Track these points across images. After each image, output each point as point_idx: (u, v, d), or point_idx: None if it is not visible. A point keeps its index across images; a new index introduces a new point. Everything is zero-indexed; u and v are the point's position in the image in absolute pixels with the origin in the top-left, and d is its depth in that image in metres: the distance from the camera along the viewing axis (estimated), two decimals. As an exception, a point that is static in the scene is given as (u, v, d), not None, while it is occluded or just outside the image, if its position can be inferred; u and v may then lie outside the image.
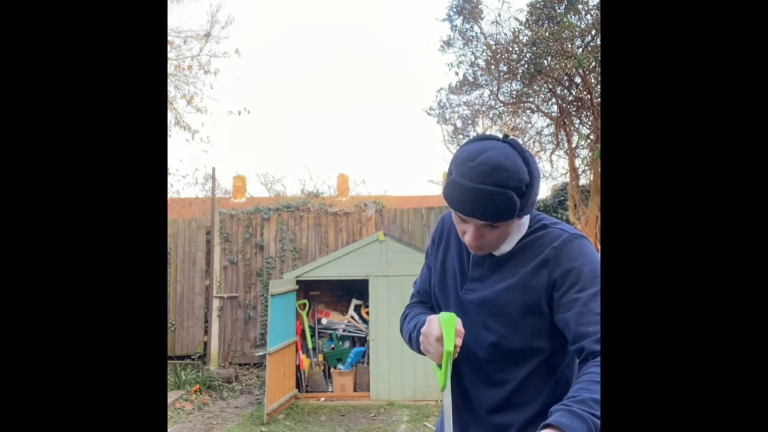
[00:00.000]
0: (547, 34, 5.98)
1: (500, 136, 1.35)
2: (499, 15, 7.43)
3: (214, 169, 8.82)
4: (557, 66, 6.06)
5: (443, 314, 1.36)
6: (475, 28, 6.76)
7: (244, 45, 30.09)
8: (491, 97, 7.13)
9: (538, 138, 7.97)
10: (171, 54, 9.12)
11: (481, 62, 6.82)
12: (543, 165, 8.17)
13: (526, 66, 6.34)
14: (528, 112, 7.49)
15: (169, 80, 8.70)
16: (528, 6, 6.31)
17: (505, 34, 6.62)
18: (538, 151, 8.36)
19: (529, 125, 7.97)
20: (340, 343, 7.23)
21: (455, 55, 6.98)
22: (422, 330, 1.42)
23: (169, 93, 8.81)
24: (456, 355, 1.36)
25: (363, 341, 7.18)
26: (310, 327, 7.25)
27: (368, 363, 6.93)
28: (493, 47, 6.57)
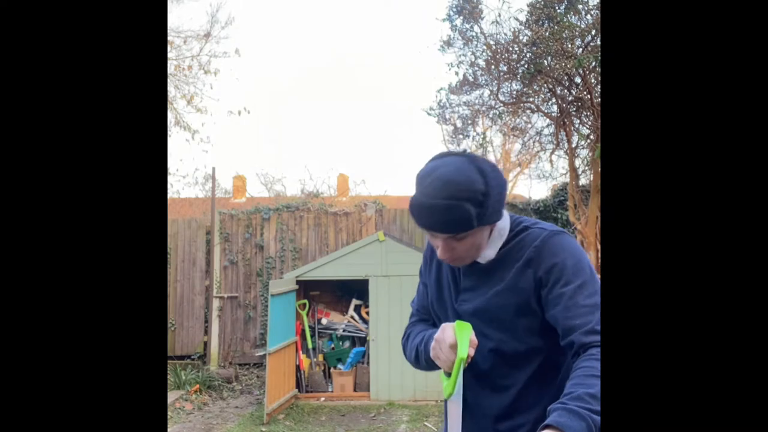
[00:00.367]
0: (547, 34, 5.98)
1: (460, 150, 1.42)
2: (499, 15, 7.43)
3: (214, 169, 8.83)
4: (557, 66, 6.06)
5: (459, 322, 1.39)
6: (475, 28, 6.76)
7: (244, 45, 30.11)
8: (491, 97, 7.13)
9: (538, 138, 7.97)
10: (171, 54, 9.13)
11: (481, 62, 6.82)
12: (543, 165, 8.17)
13: (526, 66, 6.34)
14: (528, 112, 7.49)
15: (169, 80, 8.70)
16: (528, 6, 6.31)
17: (505, 34, 6.62)
18: (538, 151, 8.37)
19: (529, 125, 7.97)
20: (340, 343, 7.23)
21: (455, 55, 6.98)
22: (435, 336, 1.43)
23: (169, 93, 8.81)
24: (467, 364, 1.37)
25: (363, 341, 7.18)
26: (310, 327, 7.25)
27: (368, 363, 6.93)
28: (493, 47, 6.57)
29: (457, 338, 1.35)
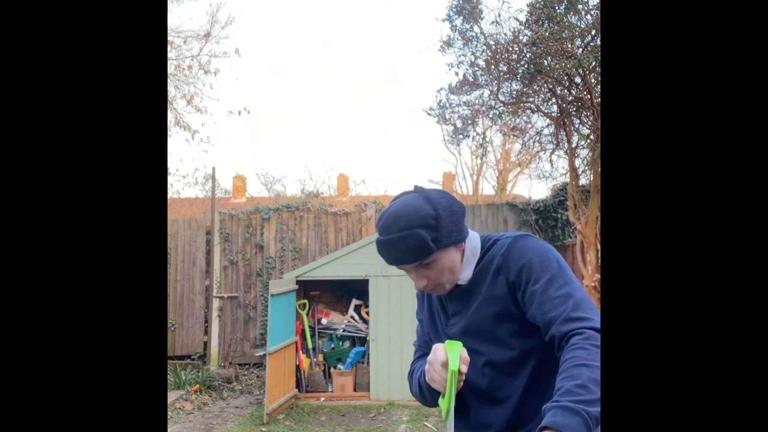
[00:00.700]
0: (547, 34, 5.97)
1: (413, 188, 1.51)
2: (499, 15, 7.43)
3: (214, 169, 8.84)
4: (557, 66, 6.06)
5: (449, 341, 1.43)
6: (475, 28, 6.75)
7: (244, 45, 30.12)
8: (491, 97, 7.13)
9: (538, 138, 7.97)
10: (171, 54, 9.13)
11: (481, 62, 6.81)
12: (543, 165, 8.17)
13: (526, 66, 6.34)
14: (528, 112, 7.48)
15: (169, 80, 8.70)
16: (528, 6, 6.31)
17: (505, 34, 6.62)
18: (538, 151, 8.36)
19: (529, 125, 7.97)
20: (340, 343, 7.23)
21: (455, 55, 6.97)
22: (428, 358, 1.46)
23: (169, 93, 8.81)
24: (461, 384, 1.39)
25: (363, 341, 7.18)
26: (310, 327, 7.25)
27: (368, 363, 6.93)
28: (493, 47, 6.57)
29: (448, 353, 1.38)
